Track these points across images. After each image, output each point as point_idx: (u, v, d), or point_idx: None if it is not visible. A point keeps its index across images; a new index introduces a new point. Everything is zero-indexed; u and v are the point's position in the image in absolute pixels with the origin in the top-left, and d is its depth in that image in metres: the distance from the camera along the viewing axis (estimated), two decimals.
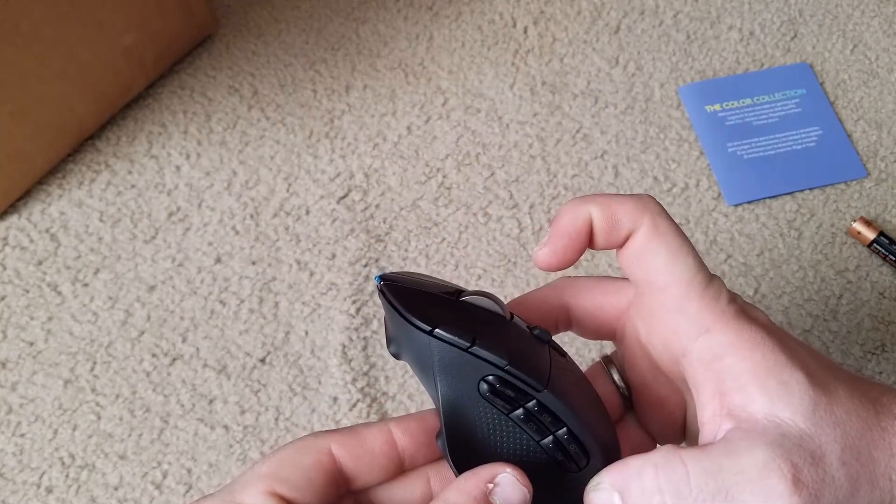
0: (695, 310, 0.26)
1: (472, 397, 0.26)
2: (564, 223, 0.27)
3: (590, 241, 0.27)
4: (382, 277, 0.27)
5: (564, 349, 0.29)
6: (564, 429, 0.26)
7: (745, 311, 0.26)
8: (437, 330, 0.25)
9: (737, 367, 0.25)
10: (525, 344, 0.26)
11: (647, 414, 0.30)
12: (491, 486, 0.25)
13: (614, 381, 0.31)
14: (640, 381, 0.30)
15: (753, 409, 0.24)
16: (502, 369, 0.25)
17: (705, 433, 0.25)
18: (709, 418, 0.25)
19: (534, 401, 0.25)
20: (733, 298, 0.26)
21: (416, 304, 0.26)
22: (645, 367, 0.29)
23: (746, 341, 0.25)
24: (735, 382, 0.25)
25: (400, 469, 0.28)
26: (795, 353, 0.25)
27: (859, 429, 0.24)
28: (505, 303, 0.28)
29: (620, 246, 0.27)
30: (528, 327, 0.27)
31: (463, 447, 0.26)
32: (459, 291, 0.27)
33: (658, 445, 0.31)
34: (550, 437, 0.26)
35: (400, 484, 0.29)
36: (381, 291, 0.27)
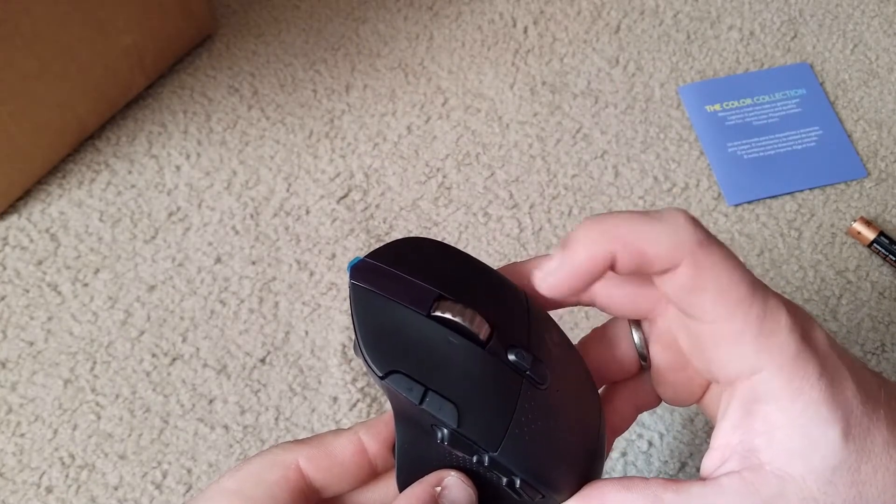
0: (751, 351, 0.23)
1: (428, 439, 0.25)
2: (578, 261, 0.24)
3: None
4: (355, 270, 0.26)
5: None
6: (519, 480, 0.25)
7: (805, 340, 0.24)
8: (386, 380, 0.24)
9: (772, 416, 0.23)
10: (488, 387, 0.25)
11: (664, 384, 0.29)
12: (438, 489, 0.25)
13: (635, 344, 0.29)
14: (665, 362, 0.28)
15: (766, 459, 0.23)
16: (451, 430, 0.24)
17: (713, 457, 0.25)
18: (722, 445, 0.25)
19: (486, 456, 0.24)
20: (794, 325, 0.24)
21: (376, 330, 0.25)
22: (673, 357, 0.28)
23: (793, 390, 0.23)
24: (763, 427, 0.24)
25: (372, 475, 0.28)
26: (841, 402, 0.23)
27: (884, 485, 0.23)
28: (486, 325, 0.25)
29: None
30: (507, 349, 0.25)
31: (416, 477, 0.26)
32: (438, 298, 0.25)
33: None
34: (506, 481, 0.25)
35: (373, 487, 0.29)
36: (350, 298, 0.26)
